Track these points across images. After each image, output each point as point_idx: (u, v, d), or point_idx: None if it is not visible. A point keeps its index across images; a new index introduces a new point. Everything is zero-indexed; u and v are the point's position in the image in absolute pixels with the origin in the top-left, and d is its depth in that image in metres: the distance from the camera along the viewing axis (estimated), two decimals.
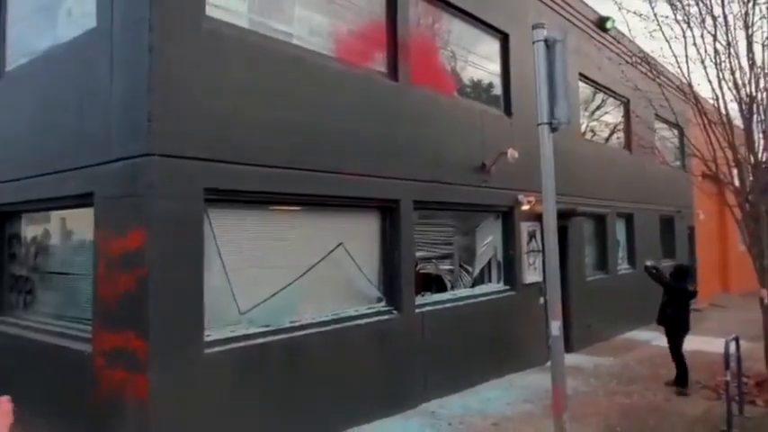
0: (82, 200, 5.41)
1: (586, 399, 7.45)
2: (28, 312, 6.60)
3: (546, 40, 4.49)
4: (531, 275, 9.37)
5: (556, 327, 4.32)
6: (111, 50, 5.12)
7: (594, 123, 12.64)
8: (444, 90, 8.21)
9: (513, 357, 8.66)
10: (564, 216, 9.47)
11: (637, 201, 13.42)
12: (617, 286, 12.14)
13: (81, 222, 5.64)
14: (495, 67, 9.24)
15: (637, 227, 13.55)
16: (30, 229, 6.84)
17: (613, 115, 13.38)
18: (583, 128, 11.90)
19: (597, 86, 12.27)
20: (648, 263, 8.70)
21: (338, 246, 6.45)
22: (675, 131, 15.71)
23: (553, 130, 4.50)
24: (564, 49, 4.48)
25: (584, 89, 11.81)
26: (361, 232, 6.88)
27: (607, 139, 13.22)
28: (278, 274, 5.84)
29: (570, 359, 9.65)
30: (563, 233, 10.24)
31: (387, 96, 6.96)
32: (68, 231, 6.32)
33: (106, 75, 5.14)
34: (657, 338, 9.94)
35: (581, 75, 11.36)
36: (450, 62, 8.59)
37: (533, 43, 4.54)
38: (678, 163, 16.19)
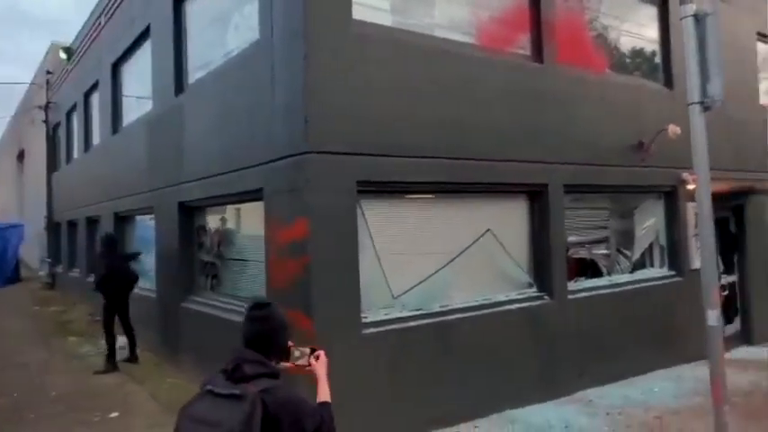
0: (254, 194, 6.08)
1: None
2: (214, 293, 7.59)
3: (695, 15, 4.20)
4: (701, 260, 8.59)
5: (713, 316, 4.10)
6: (272, 60, 5.67)
7: None
8: (594, 67, 7.81)
9: (682, 348, 8.04)
10: (739, 195, 8.52)
11: None
12: None
13: (253, 215, 6.34)
14: (653, 36, 8.57)
15: None
16: (212, 221, 7.84)
17: None
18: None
19: None
20: None
21: (486, 232, 6.51)
22: None
23: (705, 109, 4.21)
24: (716, 22, 4.15)
25: (764, 50, 10.45)
26: (510, 218, 6.87)
27: None
28: (428, 261, 6.06)
29: (751, 352, 8.79)
30: (739, 214, 9.26)
31: (531, 79, 6.83)
32: (243, 223, 7.15)
33: (268, 82, 5.71)
34: None
35: (759, 34, 10.08)
36: (601, 36, 8.14)
37: (681, 19, 4.27)
38: None
